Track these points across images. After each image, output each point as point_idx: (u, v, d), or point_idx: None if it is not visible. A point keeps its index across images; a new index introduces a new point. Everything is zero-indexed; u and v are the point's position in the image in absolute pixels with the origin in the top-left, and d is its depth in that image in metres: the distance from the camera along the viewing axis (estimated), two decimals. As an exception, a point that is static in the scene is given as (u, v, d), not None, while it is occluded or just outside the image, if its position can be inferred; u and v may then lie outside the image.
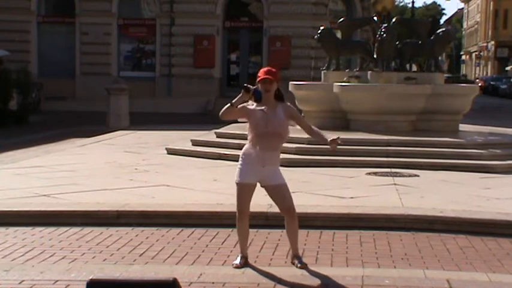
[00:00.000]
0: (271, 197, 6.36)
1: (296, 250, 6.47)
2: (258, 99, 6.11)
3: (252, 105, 6.18)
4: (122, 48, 31.68)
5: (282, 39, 30.25)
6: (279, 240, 7.28)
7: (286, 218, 6.38)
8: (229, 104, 6.14)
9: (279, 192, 6.28)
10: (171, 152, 13.72)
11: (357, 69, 16.35)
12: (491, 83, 55.35)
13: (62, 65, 30.71)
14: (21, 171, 11.46)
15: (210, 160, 12.68)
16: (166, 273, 6.02)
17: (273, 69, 6.33)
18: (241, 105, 6.18)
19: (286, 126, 6.27)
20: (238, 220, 6.36)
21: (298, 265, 6.31)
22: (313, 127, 6.49)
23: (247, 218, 6.37)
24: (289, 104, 6.39)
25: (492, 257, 6.95)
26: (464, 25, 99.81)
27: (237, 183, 6.28)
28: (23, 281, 5.86)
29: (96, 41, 30.65)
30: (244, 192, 6.26)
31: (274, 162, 6.25)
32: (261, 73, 6.23)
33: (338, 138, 6.35)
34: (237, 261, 6.36)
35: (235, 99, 6.13)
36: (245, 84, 6.17)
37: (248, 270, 6.23)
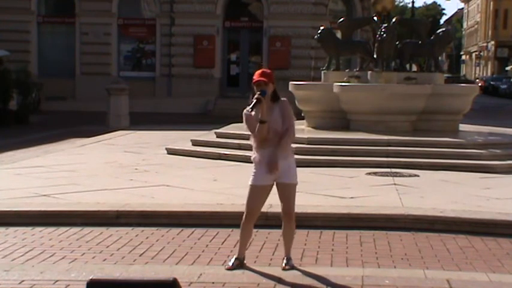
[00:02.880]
0: (279, 195, 6.32)
1: (289, 252, 6.44)
2: (264, 96, 6.07)
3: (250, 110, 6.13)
4: (122, 48, 31.68)
5: (282, 39, 30.24)
6: (279, 240, 7.24)
7: (284, 221, 6.37)
8: (258, 124, 6.02)
9: (286, 192, 6.25)
10: (171, 152, 13.72)
11: (357, 69, 16.36)
12: (491, 83, 55.39)
13: (62, 65, 30.72)
14: (21, 171, 11.46)
15: (210, 160, 12.66)
16: (166, 273, 6.02)
17: (267, 71, 6.26)
18: (249, 111, 6.12)
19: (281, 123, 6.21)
20: (245, 221, 6.32)
21: (286, 266, 6.27)
22: (288, 138, 6.23)
23: (253, 222, 6.35)
24: (284, 99, 6.29)
25: (492, 257, 6.94)
26: (464, 25, 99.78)
27: (250, 185, 6.26)
28: (23, 281, 5.85)
29: (96, 41, 30.66)
30: (255, 193, 6.22)
31: (283, 156, 6.19)
32: (256, 75, 6.18)
33: (276, 166, 6.14)
34: (230, 262, 6.32)
35: (260, 115, 6.00)
36: (257, 94, 6.02)
37: (248, 270, 6.22)
